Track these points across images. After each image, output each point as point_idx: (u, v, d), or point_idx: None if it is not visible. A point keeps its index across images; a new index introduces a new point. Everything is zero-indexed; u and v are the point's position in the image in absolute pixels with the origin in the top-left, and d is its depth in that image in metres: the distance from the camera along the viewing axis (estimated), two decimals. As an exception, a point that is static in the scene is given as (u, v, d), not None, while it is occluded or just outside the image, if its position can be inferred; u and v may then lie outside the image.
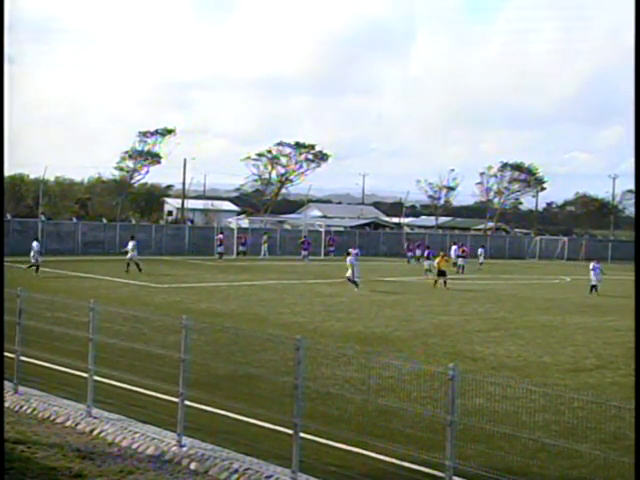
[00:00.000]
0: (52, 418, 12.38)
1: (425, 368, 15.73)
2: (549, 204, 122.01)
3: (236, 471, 10.09)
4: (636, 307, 6.16)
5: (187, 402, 11.31)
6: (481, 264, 54.79)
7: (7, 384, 13.89)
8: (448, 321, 25.82)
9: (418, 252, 59.01)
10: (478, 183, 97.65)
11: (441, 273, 37.93)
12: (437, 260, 39.19)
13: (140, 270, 38.20)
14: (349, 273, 36.19)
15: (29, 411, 12.76)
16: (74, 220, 59.61)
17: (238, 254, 57.70)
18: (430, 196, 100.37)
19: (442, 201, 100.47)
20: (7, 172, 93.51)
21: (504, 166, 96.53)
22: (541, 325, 25.84)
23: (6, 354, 14.52)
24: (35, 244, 39.11)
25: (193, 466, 10.35)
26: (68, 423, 12.13)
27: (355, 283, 35.54)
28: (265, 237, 60.50)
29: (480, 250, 57.10)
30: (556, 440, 10.79)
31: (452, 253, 51.72)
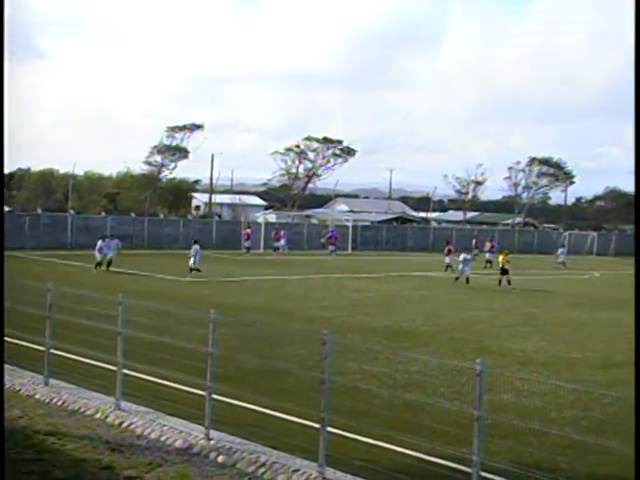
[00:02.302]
0: (82, 410, 12.52)
1: (452, 363, 15.69)
2: (578, 199, 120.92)
3: (263, 464, 10.13)
4: (636, 306, 6.12)
5: (215, 395, 11.38)
6: (561, 263, 53.97)
7: (38, 376, 14.08)
8: (476, 316, 25.71)
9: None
10: (506, 178, 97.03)
11: (504, 271, 37.10)
12: (500, 258, 38.48)
13: (199, 270, 36.86)
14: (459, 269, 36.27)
15: (59, 403, 12.90)
16: (103, 214, 60.06)
17: (275, 250, 57.36)
18: (458, 191, 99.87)
19: (470, 196, 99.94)
20: (38, 167, 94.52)
21: (532, 160, 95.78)
22: (570, 321, 25.66)
23: (37, 347, 14.75)
24: (108, 240, 38.97)
25: (221, 459, 10.41)
26: (97, 415, 12.25)
27: (457, 279, 36.18)
28: (283, 232, 60.33)
29: (560, 250, 56.38)
30: (585, 436, 10.70)
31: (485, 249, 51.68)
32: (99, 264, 37.08)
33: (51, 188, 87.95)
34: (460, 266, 37.67)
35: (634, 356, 8.29)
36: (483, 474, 8.94)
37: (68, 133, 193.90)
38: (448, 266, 43.96)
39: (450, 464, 9.95)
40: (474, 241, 58.18)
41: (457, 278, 37.42)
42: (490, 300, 31.02)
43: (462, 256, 38.03)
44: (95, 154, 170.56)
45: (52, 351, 14.17)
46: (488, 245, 52.15)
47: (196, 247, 37.30)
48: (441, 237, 64.35)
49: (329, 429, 10.10)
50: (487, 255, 50.89)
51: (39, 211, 56.19)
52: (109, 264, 37.46)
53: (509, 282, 36.24)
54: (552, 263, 53.73)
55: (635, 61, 5.76)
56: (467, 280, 36.85)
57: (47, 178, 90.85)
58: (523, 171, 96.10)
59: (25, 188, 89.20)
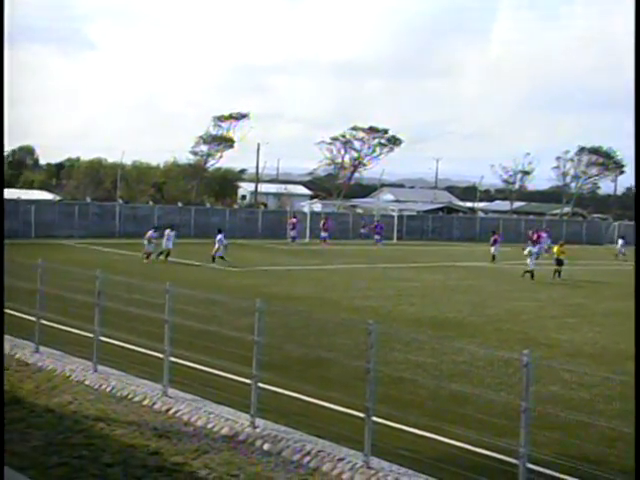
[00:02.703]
0: (130, 397, 12.69)
1: (499, 354, 15.59)
2: (628, 189, 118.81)
3: (308, 453, 10.17)
4: (636, 305, 5.99)
5: (260, 384, 11.44)
6: (621, 253, 53.31)
7: (87, 363, 14.31)
8: (522, 307, 25.46)
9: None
10: (554, 167, 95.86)
11: (559, 262, 36.18)
12: (555, 249, 37.54)
13: (222, 258, 37.30)
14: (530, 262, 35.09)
15: (108, 389, 13.10)
16: (150, 204, 60.70)
17: (323, 240, 57.33)
18: (505, 180, 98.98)
19: (517, 185, 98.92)
20: (87, 156, 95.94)
21: (582, 150, 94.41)
22: (619, 312, 25.26)
23: (86, 334, 14.98)
24: (167, 231, 38.28)
25: (266, 447, 10.48)
26: (145, 402, 12.41)
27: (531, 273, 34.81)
28: (323, 221, 60.26)
29: (620, 241, 55.60)
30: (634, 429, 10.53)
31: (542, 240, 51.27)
32: (149, 254, 36.79)
33: (100, 177, 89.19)
34: (529, 260, 35.78)
35: (634, 355, 8.10)
36: (530, 466, 8.86)
37: (116, 123, 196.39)
38: (494, 256, 43.64)
39: (496, 455, 9.89)
40: (530, 232, 56.60)
41: (527, 272, 35.35)
42: (537, 291, 30.70)
43: (528, 249, 36.41)
44: (143, 144, 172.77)
45: (101, 338, 14.38)
46: (534, 236, 51.68)
47: (220, 236, 37.34)
48: (487, 227, 63.73)
49: (374, 419, 10.10)
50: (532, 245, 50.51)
51: (88, 200, 57.02)
52: (167, 255, 37.17)
53: (559, 274, 35.25)
54: (617, 255, 53.07)
55: (635, 61, 5.66)
56: (532, 275, 34.89)
57: (96, 168, 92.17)
58: (572, 160, 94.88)
59: (74, 177, 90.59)
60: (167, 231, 38.34)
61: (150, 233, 37.77)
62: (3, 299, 13.44)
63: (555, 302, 27.23)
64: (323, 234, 57.54)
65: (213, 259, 36.56)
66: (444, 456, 10.01)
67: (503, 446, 9.58)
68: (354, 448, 10.14)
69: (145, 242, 37.34)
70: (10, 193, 57.81)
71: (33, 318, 15.96)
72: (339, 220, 64.23)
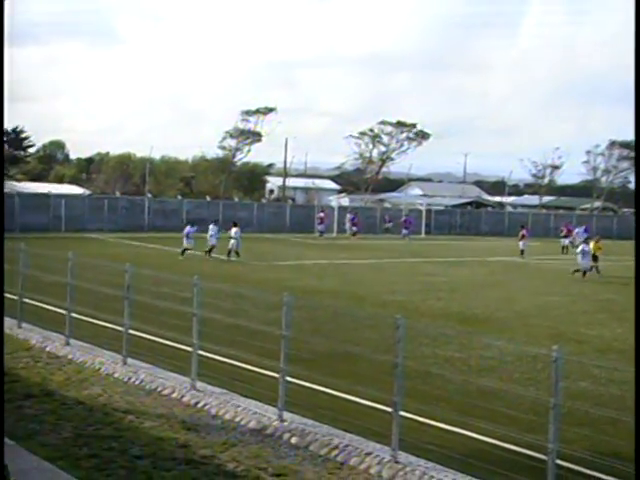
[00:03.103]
0: (159, 390, 12.79)
1: (527, 349, 15.50)
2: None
3: (336, 447, 10.18)
4: (636, 304, 5.90)
5: (288, 378, 11.47)
6: None
7: (116, 355, 14.43)
8: (551, 302, 25.28)
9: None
10: (584, 161, 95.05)
11: (595, 258, 34.82)
12: (592, 244, 36.92)
13: (237, 254, 36.32)
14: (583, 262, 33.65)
15: (137, 382, 13.20)
16: (179, 198, 61.05)
17: (353, 234, 57.31)
18: (534, 175, 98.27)
19: (546, 180, 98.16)
20: (116, 151, 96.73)
21: (613, 144, 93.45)
22: (650, 308, 24.98)
23: (115, 327, 15.11)
24: (211, 226, 37.61)
25: (294, 440, 10.51)
26: (174, 395, 12.50)
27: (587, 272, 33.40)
28: (349, 216, 60.24)
29: None
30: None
31: (576, 236, 50.98)
32: (185, 250, 36.05)
33: (129, 172, 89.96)
34: (579, 258, 34.51)
35: (634, 354, 8.02)
36: (559, 462, 8.80)
37: (145, 118, 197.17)
38: (522, 251, 43.43)
39: (525, 451, 9.83)
40: (564, 228, 55.54)
41: (577, 270, 34.06)
42: (566, 286, 30.46)
43: (580, 247, 35.25)
44: (171, 138, 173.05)
45: (130, 331, 14.49)
46: (565, 231, 51.28)
47: (236, 230, 36.30)
48: (516, 222, 63.40)
49: (402, 413, 10.08)
50: (563, 240, 50.10)
51: (117, 194, 57.49)
52: (210, 251, 36.38)
53: (597, 270, 34.24)
54: None
55: (635, 60, 5.57)
56: (584, 273, 33.57)
57: (125, 162, 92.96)
58: (602, 155, 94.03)
59: (104, 172, 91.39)
60: (211, 226, 37.56)
61: (188, 229, 36.86)
62: (3, 295, 13.44)
63: (585, 298, 27.01)
64: (354, 228, 57.58)
65: (229, 253, 35.71)
66: (472, 451, 9.97)
67: (532, 442, 9.53)
68: (382, 442, 10.14)
69: (184, 238, 36.48)
70: (41, 187, 58.53)
71: (63, 311, 16.12)
72: (367, 215, 64.18)
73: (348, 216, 59.61)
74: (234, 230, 36.61)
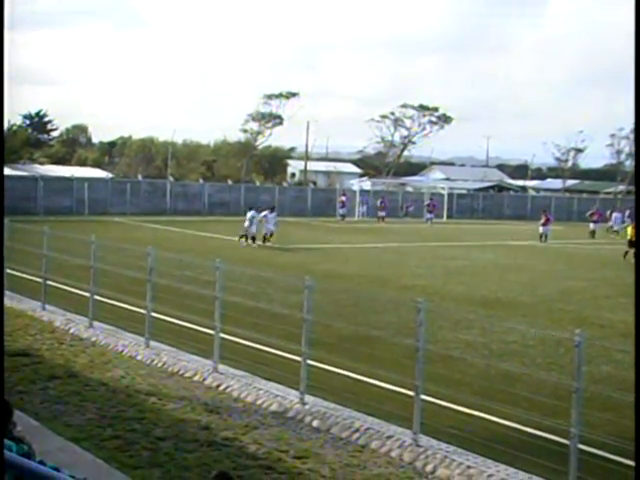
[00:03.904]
0: (181, 372, 12.86)
1: (550, 333, 15.42)
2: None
3: (357, 430, 10.21)
4: (636, 303, 5.81)
5: (309, 361, 11.50)
6: None
7: (139, 338, 14.52)
8: (575, 286, 25.12)
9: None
10: (608, 145, 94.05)
11: (631, 244, 34.66)
12: (629, 230, 36.41)
13: (254, 239, 34.86)
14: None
15: (160, 365, 13.29)
16: (201, 181, 61.18)
17: (379, 219, 57.10)
18: (557, 158, 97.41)
19: (569, 164, 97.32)
20: (138, 135, 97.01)
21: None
22: (674, 293, 24.76)
23: (138, 310, 15.20)
24: (266, 212, 35.87)
25: (315, 423, 10.55)
26: (196, 378, 12.57)
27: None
28: (360, 199, 60.01)
29: None
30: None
31: (614, 221, 50.92)
32: (245, 236, 34.60)
33: (151, 155, 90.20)
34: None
35: (634, 354, 7.96)
36: (581, 447, 8.77)
37: (167, 101, 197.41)
38: (542, 235, 43.09)
39: (547, 435, 9.81)
40: (591, 212, 54.57)
41: (626, 253, 33.31)
42: (590, 270, 30.24)
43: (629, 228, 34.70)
44: (193, 122, 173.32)
45: (152, 314, 14.58)
46: (594, 215, 50.65)
47: (251, 212, 34.89)
48: (539, 206, 62.95)
49: (423, 397, 10.09)
50: (591, 225, 49.70)
51: (139, 178, 57.68)
52: (265, 238, 35.06)
53: (626, 255, 33.36)
54: None
55: (635, 60, 5.48)
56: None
57: (147, 146, 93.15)
58: (627, 138, 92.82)
59: (126, 155, 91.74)
60: (266, 212, 36.03)
61: (252, 213, 34.90)
62: (3, 281, 13.51)
63: (609, 282, 26.80)
64: (382, 213, 57.35)
65: (244, 237, 34.59)
66: (494, 435, 9.97)
67: (554, 426, 9.50)
68: (403, 426, 10.15)
69: (246, 223, 34.71)
70: (64, 170, 58.80)
71: (87, 294, 16.24)
72: (388, 199, 63.98)
73: (376, 202, 59.27)
74: (251, 213, 34.96)
